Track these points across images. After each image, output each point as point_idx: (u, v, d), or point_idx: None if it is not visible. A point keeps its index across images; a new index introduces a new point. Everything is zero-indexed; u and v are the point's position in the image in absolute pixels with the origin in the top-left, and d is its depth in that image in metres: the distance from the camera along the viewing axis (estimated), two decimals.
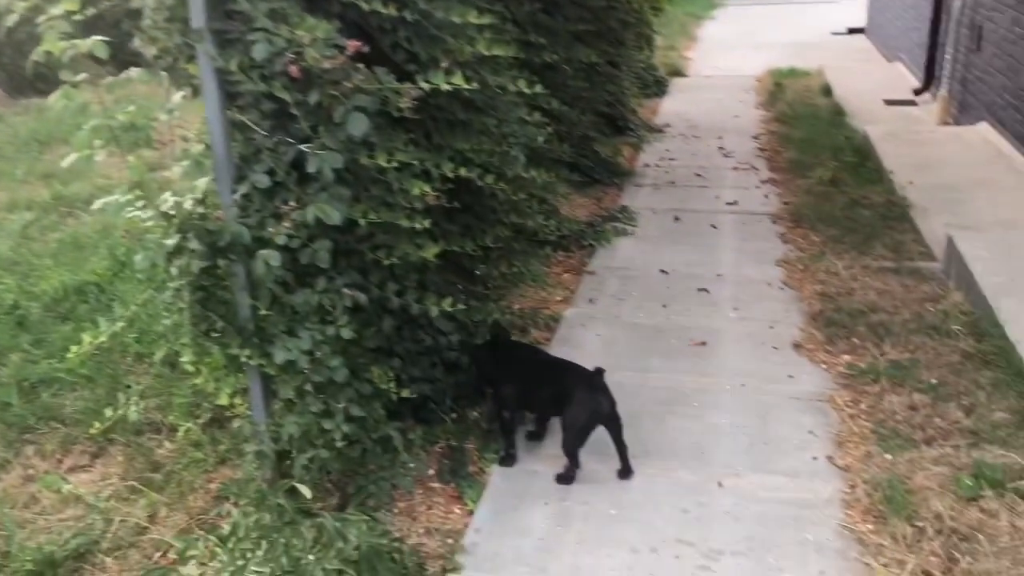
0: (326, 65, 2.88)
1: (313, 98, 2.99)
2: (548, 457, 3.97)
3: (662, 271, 6.15)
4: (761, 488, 3.70)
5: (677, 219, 7.34)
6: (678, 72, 13.84)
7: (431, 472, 3.94)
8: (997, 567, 3.10)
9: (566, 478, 3.81)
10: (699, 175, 8.65)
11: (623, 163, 9.08)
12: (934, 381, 4.40)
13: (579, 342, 5.08)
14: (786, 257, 6.29)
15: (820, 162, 8.32)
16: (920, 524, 3.35)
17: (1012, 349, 4.48)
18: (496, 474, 3.85)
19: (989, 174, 7.76)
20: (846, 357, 4.75)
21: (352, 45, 2.93)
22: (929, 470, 3.66)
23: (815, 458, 3.89)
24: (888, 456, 3.81)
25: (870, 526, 3.41)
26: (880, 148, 8.63)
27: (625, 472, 3.84)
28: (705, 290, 5.79)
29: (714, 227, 7.08)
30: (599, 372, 3.78)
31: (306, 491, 3.31)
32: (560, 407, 3.82)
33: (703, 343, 5.03)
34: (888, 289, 5.53)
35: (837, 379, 4.55)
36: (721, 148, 9.58)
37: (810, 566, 3.24)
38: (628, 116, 10.24)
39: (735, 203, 7.68)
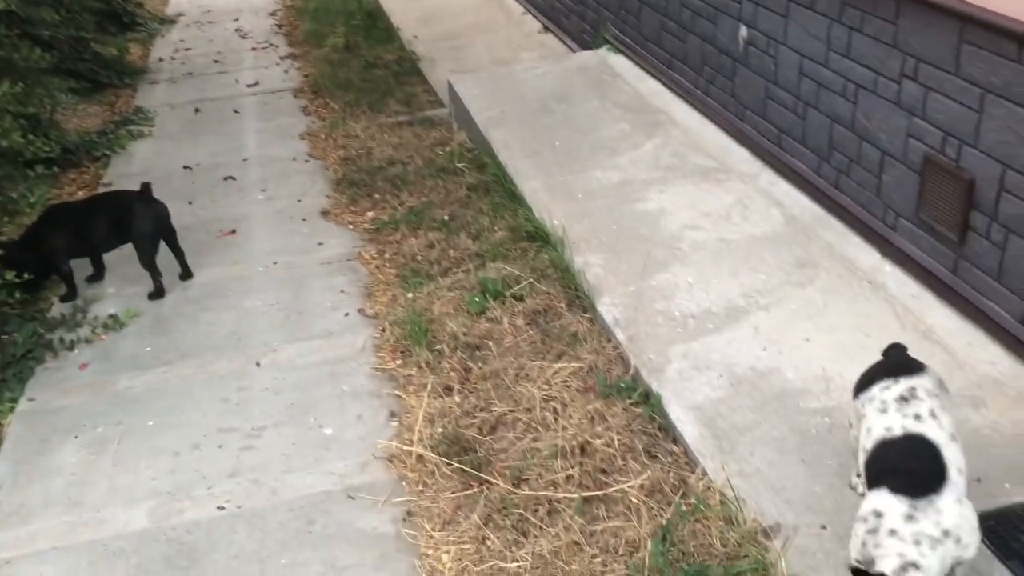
0: None
1: None
2: (74, 389, 3.70)
3: (185, 167, 5.88)
4: (298, 356, 3.80)
5: (198, 110, 7.01)
6: None
7: None
8: (503, 364, 3.52)
9: (157, 292, 4.30)
10: (217, 61, 8.30)
11: (133, 61, 8.40)
12: (446, 217, 4.76)
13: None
14: (309, 129, 6.33)
15: (334, 30, 8.35)
16: (439, 347, 3.67)
17: (504, 174, 4.98)
18: (15, 423, 3.51)
19: (485, 18, 8.38)
20: (370, 214, 4.96)
21: None
22: (445, 297, 4.00)
23: (347, 314, 4.07)
24: (410, 295, 4.09)
25: (399, 362, 3.68)
26: (388, 7, 8.90)
27: (185, 275, 4.45)
28: (232, 178, 5.65)
29: (237, 112, 6.88)
30: (146, 186, 4.32)
31: None
32: (124, 231, 4.25)
33: (233, 231, 4.94)
34: (403, 142, 5.82)
35: (363, 236, 4.75)
36: (239, 30, 9.24)
37: (348, 413, 3.43)
38: (132, 10, 9.41)
39: (256, 84, 7.50)
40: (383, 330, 3.91)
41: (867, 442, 2.37)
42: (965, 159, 3.24)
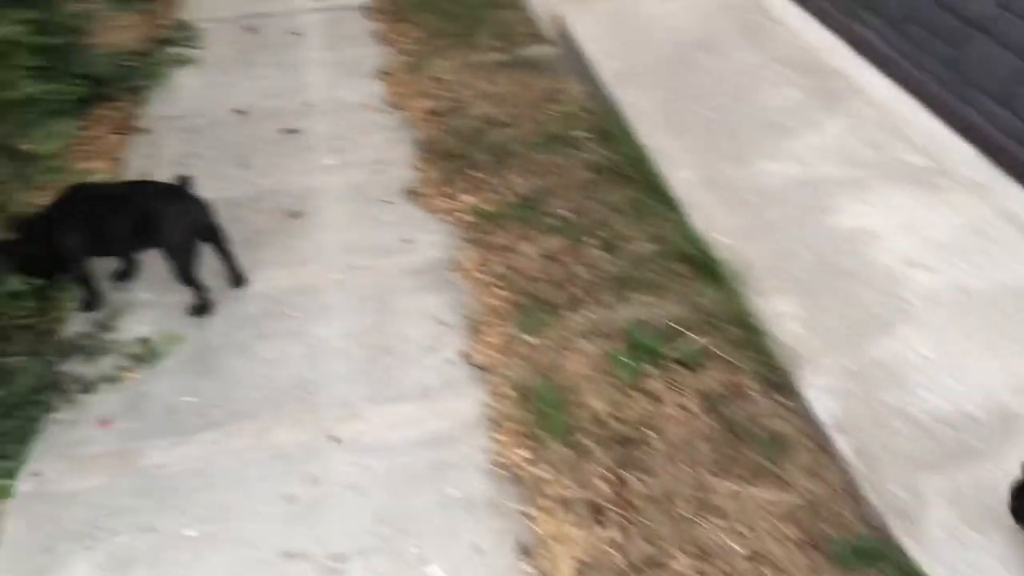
0: None
1: None
2: (91, 461, 2.76)
3: (237, 111, 4.81)
4: (388, 428, 2.83)
5: (251, 30, 5.87)
6: None
7: None
8: (675, 477, 2.53)
9: (201, 308, 3.32)
10: None
11: None
12: (568, 214, 3.70)
13: None
14: (387, 64, 5.21)
15: None
16: (579, 437, 2.68)
17: (642, 156, 3.87)
18: (14, 515, 2.61)
19: None
20: (468, 199, 3.90)
21: None
22: (580, 350, 2.99)
23: (449, 360, 3.07)
24: (531, 339, 3.08)
25: (525, 453, 2.69)
26: None
27: (238, 281, 3.45)
28: (294, 130, 4.58)
29: (296, 35, 5.74)
30: (184, 180, 3.21)
31: None
32: (150, 236, 3.18)
33: (297, 213, 3.92)
34: (503, 92, 4.70)
35: (462, 233, 3.71)
36: None
37: (460, 541, 2.47)
38: None
39: None
40: (498, 394, 2.91)
41: None
42: None
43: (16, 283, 3.11)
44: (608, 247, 3.47)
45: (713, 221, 3.40)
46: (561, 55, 5.00)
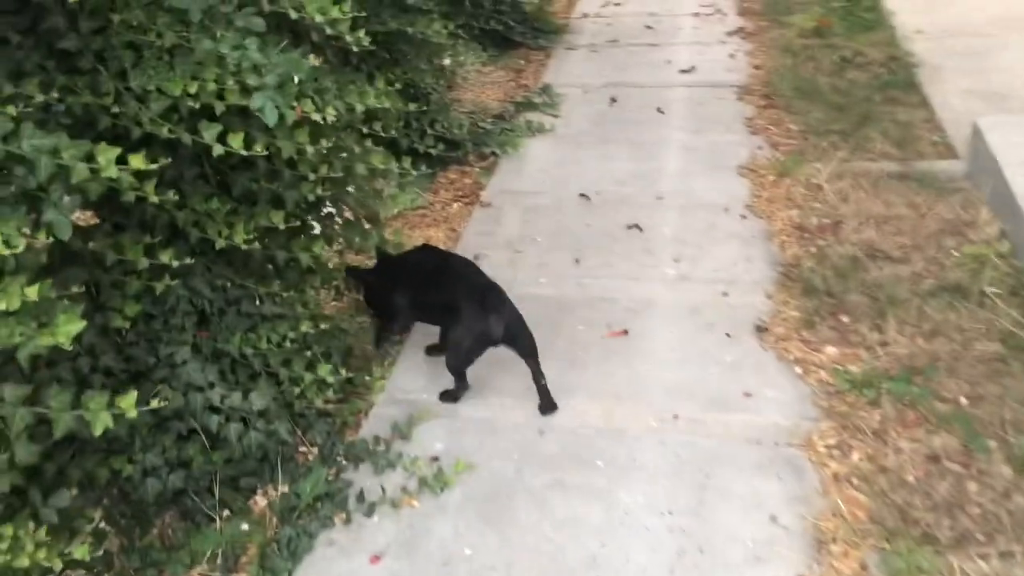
0: None
1: None
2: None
3: (582, 195, 4.47)
4: None
5: (614, 100, 5.57)
6: None
7: None
8: None
9: (452, 395, 3.17)
10: (650, 27, 6.82)
11: (556, 13, 7.21)
12: (964, 401, 2.86)
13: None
14: (753, 160, 4.62)
15: (804, 3, 6.47)
16: None
17: None
18: None
19: (1021, 8, 5.92)
20: (832, 351, 3.19)
21: None
22: None
23: None
24: None
25: None
26: None
27: (546, 407, 3.07)
28: (637, 227, 4.14)
29: (660, 112, 5.33)
30: (494, 289, 3.07)
31: None
32: (448, 320, 3.15)
33: (624, 332, 3.45)
34: (892, 213, 3.91)
35: (818, 397, 3.01)
36: None
37: None
38: None
39: (691, 70, 5.89)
40: None
41: None
42: None
43: (325, 371, 2.94)
44: (1017, 464, 2.60)
45: None
46: (973, 175, 4.09)
